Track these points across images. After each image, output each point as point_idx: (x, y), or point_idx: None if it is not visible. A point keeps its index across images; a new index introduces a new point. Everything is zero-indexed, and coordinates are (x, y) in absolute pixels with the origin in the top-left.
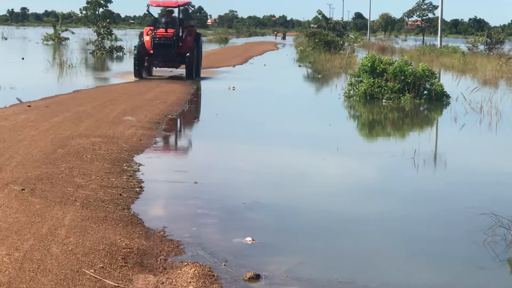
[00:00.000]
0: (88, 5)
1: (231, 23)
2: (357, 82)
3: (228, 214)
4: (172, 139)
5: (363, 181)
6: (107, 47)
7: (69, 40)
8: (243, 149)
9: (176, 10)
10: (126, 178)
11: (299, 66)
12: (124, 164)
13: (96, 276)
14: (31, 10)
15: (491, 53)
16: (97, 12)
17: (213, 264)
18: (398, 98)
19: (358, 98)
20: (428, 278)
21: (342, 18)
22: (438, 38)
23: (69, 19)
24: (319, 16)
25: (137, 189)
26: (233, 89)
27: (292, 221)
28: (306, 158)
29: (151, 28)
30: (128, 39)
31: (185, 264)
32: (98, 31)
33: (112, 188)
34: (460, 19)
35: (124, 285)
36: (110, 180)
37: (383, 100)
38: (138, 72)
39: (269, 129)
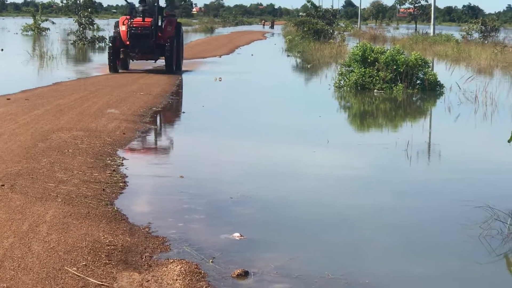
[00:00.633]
0: None
1: (217, 12)
2: (348, 72)
3: (215, 209)
4: (157, 132)
5: (354, 174)
6: (89, 38)
7: (50, 31)
8: (230, 142)
9: None
10: (109, 173)
11: (288, 56)
12: (107, 158)
13: (79, 274)
14: None
15: (486, 41)
16: (78, 2)
17: (200, 261)
18: (390, 88)
19: (348, 89)
20: (422, 273)
21: (332, 6)
22: (431, 26)
23: (49, 9)
24: (308, 4)
25: (121, 184)
26: (220, 80)
27: (281, 216)
28: (295, 151)
29: (127, 17)
30: (111, 29)
31: (171, 261)
32: (79, 21)
33: (95, 183)
34: (453, 6)
35: (108, 284)
36: (93, 175)
37: (375, 90)
38: (113, 66)
39: (257, 121)
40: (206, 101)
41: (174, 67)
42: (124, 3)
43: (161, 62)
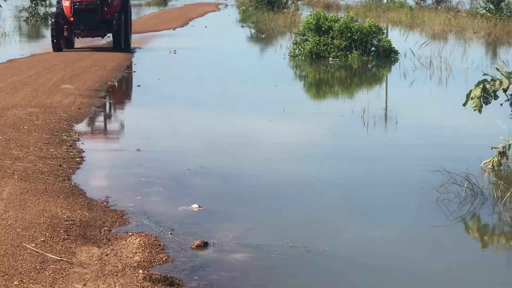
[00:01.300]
0: None
1: None
2: (302, 41)
3: (172, 181)
4: (112, 106)
5: (311, 142)
6: (42, 14)
7: (1, 8)
8: (186, 114)
9: None
10: (65, 148)
11: (242, 26)
12: (63, 134)
13: (37, 251)
14: None
15: (439, 7)
16: None
17: (159, 233)
18: (345, 56)
19: (303, 58)
20: (380, 238)
21: None
22: None
23: None
24: None
25: (78, 159)
26: (174, 53)
27: (239, 186)
28: (251, 121)
29: None
30: None
31: (130, 234)
32: None
33: (51, 159)
34: None
35: (67, 259)
36: (49, 151)
37: (330, 58)
38: (56, 44)
39: (212, 93)
40: (161, 74)
41: (122, 44)
42: None
43: (108, 39)
